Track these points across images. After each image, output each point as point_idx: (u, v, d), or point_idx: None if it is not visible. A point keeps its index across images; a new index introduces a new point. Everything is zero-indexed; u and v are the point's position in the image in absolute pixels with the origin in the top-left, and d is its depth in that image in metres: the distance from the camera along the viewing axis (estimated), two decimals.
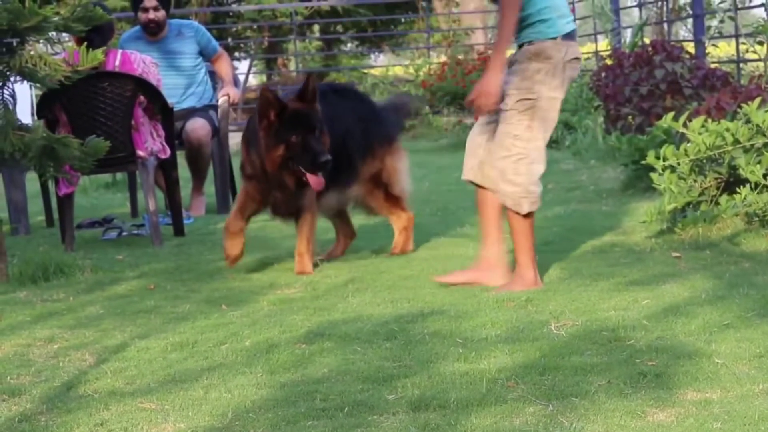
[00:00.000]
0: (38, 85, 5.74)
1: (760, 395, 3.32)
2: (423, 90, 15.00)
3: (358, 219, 6.34)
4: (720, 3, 11.04)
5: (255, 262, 5.90)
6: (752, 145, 5.92)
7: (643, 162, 6.45)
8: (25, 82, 5.73)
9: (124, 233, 7.26)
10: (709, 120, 6.31)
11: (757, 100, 6.07)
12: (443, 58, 16.45)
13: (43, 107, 6.78)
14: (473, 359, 3.81)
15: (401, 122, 6.49)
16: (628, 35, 13.22)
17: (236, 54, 22.26)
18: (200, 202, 8.43)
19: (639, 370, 3.58)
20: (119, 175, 10.11)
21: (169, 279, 5.64)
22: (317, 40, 23.42)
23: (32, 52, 5.53)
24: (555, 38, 4.91)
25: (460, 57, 15.76)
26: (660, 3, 13.99)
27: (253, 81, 20.31)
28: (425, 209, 7.70)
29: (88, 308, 5.03)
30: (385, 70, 19.27)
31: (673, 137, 7.17)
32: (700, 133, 6.06)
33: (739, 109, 6.63)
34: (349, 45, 25.14)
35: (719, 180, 6.10)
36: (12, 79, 5.67)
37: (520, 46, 4.96)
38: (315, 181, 5.50)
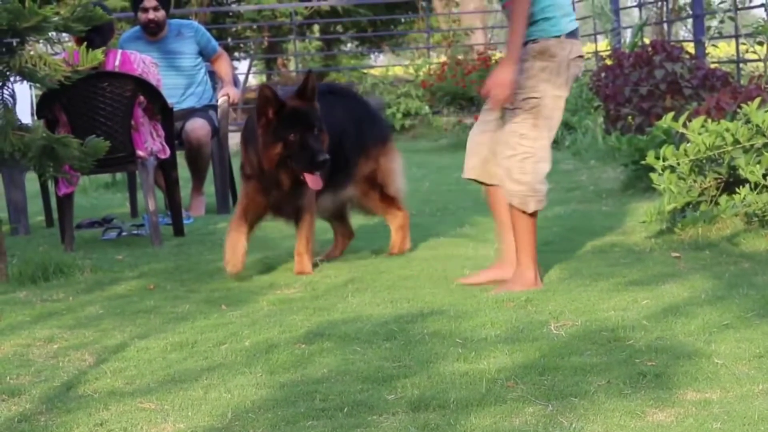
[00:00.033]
0: (38, 85, 5.73)
1: (759, 395, 3.32)
2: (423, 90, 15.00)
3: (357, 219, 6.34)
4: (720, 3, 11.05)
5: (255, 262, 5.90)
6: (752, 146, 5.92)
7: (643, 162, 6.45)
8: (25, 82, 5.73)
9: (124, 233, 7.25)
10: (709, 120, 6.32)
11: (757, 100, 6.07)
12: (443, 58, 16.45)
13: (42, 107, 6.78)
14: (473, 359, 3.81)
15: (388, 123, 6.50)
16: (628, 35, 13.23)
17: (236, 54, 22.27)
18: (200, 203, 8.43)
19: (639, 370, 3.58)
20: (119, 175, 10.10)
21: (168, 279, 5.63)
22: (317, 40, 23.40)
23: (32, 52, 5.52)
24: (559, 36, 4.91)
25: (460, 57, 15.76)
26: (660, 3, 13.98)
27: (253, 81, 20.30)
28: (425, 209, 7.70)
29: (88, 308, 5.03)
30: (385, 70, 19.24)
31: (673, 137, 7.17)
32: (699, 134, 6.06)
33: (738, 110, 6.63)
34: (349, 45, 25.14)
35: (719, 180, 6.10)
36: (12, 79, 5.66)
37: (524, 44, 4.96)
38: (313, 180, 5.48)
